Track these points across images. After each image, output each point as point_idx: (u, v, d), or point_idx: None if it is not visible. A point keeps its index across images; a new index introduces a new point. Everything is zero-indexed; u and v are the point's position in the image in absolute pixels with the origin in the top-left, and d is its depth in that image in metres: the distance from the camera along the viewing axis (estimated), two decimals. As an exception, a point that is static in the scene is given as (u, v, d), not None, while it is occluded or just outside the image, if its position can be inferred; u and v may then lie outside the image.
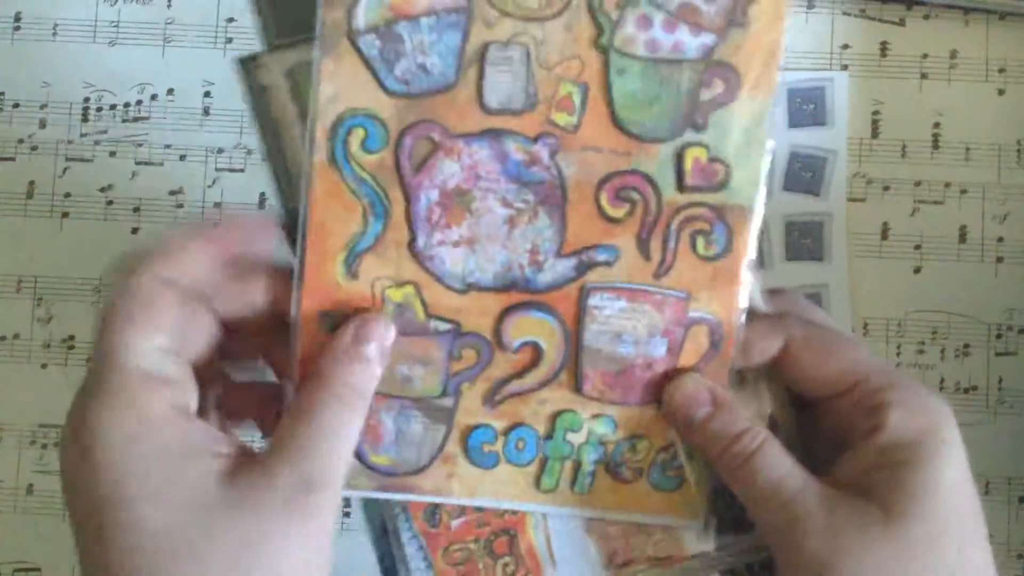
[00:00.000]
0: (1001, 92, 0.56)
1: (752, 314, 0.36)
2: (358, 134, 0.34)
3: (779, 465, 0.34)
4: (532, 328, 0.36)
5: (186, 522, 0.30)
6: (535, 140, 0.34)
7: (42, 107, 0.57)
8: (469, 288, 0.35)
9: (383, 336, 0.35)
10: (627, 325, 0.36)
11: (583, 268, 0.35)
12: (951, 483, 0.33)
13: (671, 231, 0.35)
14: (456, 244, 0.35)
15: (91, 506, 0.31)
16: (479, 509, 0.38)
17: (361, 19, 0.33)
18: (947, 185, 0.55)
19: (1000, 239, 0.55)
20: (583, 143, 0.34)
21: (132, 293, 0.32)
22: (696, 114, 0.34)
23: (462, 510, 0.38)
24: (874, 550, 0.32)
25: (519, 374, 0.36)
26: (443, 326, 0.36)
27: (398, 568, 0.39)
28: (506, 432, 0.37)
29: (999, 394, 0.54)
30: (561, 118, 0.34)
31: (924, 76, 0.56)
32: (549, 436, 0.37)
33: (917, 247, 0.55)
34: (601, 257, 0.35)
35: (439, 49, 0.34)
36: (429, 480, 0.37)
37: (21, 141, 0.57)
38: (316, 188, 0.34)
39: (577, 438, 0.37)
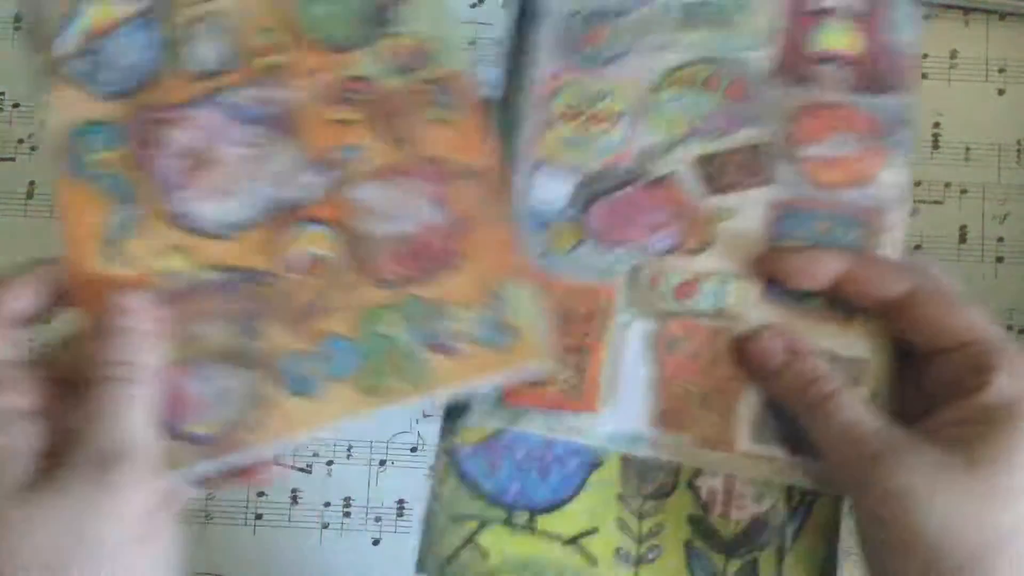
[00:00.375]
0: (1001, 92, 0.56)
1: (886, 256, 0.38)
2: (89, 141, 0.38)
3: (852, 408, 0.36)
4: (311, 242, 0.38)
5: (10, 507, 0.33)
6: (258, 86, 0.39)
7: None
8: (238, 231, 0.38)
9: (137, 306, 0.36)
10: (395, 205, 0.38)
11: (336, 170, 0.38)
12: None
13: (404, 112, 0.39)
14: (210, 197, 0.38)
15: None
16: (565, 322, 0.39)
17: (62, 50, 0.39)
18: (947, 185, 0.55)
19: (1000, 239, 0.55)
20: (294, 73, 0.39)
21: None
22: (384, 13, 0.39)
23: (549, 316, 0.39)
24: (948, 491, 0.33)
25: (314, 290, 0.37)
26: (218, 275, 0.37)
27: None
28: (319, 350, 0.37)
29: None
30: (273, 59, 0.39)
31: (924, 76, 0.56)
32: (364, 338, 0.37)
33: (917, 247, 0.55)
34: (348, 156, 0.38)
35: (138, 47, 0.39)
36: (255, 431, 0.37)
37: (21, 141, 0.57)
38: (63, 201, 0.38)
39: (392, 329, 0.37)
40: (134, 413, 0.34)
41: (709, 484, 0.38)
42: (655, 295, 0.39)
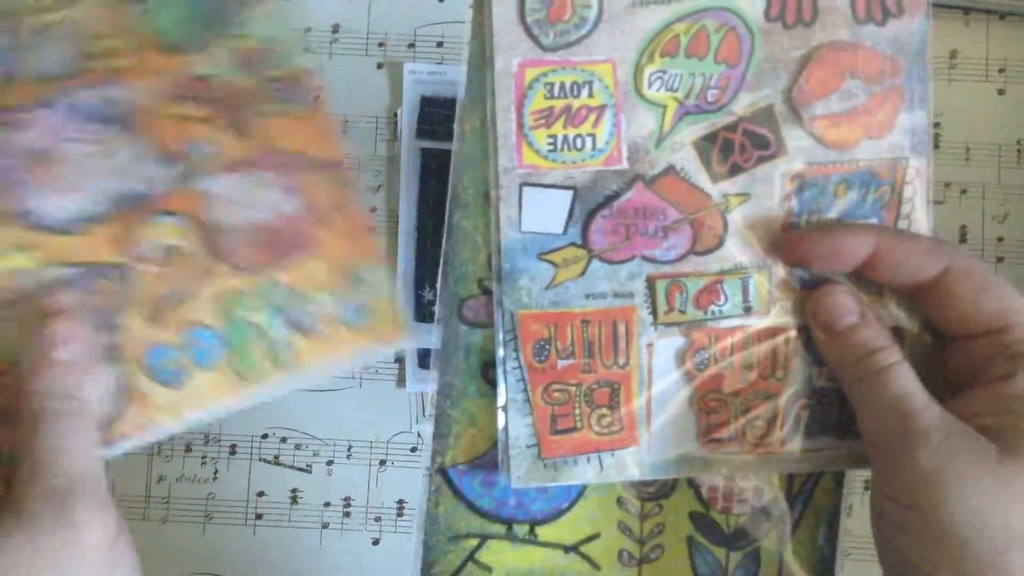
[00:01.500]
0: (1001, 92, 0.56)
1: (916, 234, 0.36)
2: None
3: (908, 382, 0.35)
4: (164, 233, 0.37)
5: None
6: (100, 87, 0.37)
7: (43, 107, 0.57)
8: (85, 225, 0.37)
9: (71, 334, 0.35)
10: (247, 195, 0.37)
11: (181, 163, 0.37)
12: None
13: (252, 108, 0.38)
14: (53, 193, 0.37)
15: None
16: (588, 355, 0.37)
17: None
18: (947, 185, 0.55)
19: (1000, 239, 0.55)
20: (142, 74, 0.38)
21: None
22: (228, 17, 0.38)
23: (572, 352, 0.37)
24: (986, 481, 0.32)
25: (170, 280, 0.37)
26: (68, 272, 0.37)
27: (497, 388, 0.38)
28: (184, 341, 0.37)
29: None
30: (116, 63, 0.38)
31: (924, 76, 0.56)
32: (228, 326, 0.37)
33: (917, 247, 0.55)
34: (196, 150, 0.38)
35: None
36: (127, 423, 0.36)
37: (22, 141, 0.57)
38: None
39: (254, 315, 0.37)
40: (82, 446, 0.34)
41: (710, 481, 0.38)
42: (676, 308, 0.37)
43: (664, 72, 0.36)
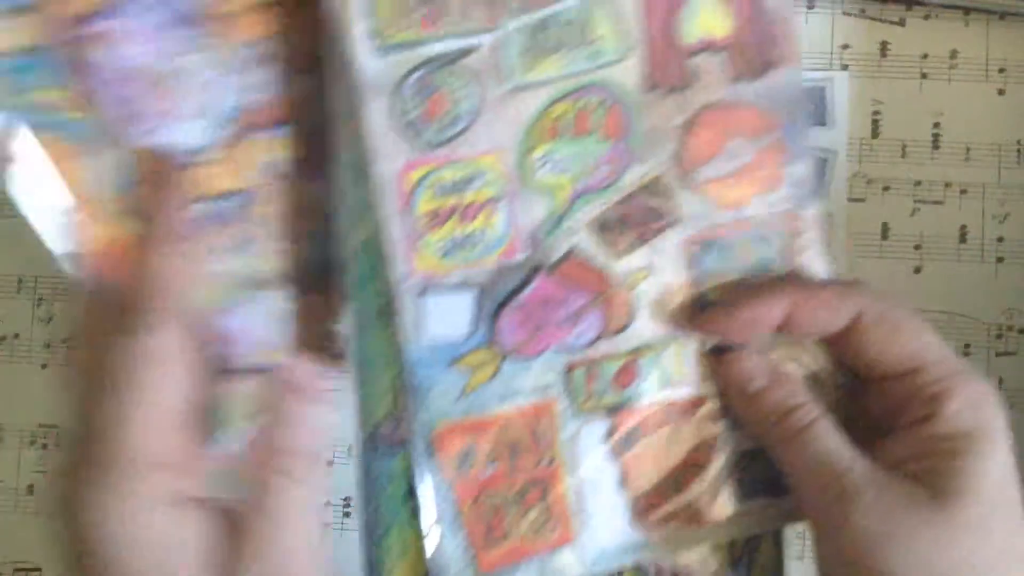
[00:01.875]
0: (1001, 92, 0.56)
1: (816, 281, 0.36)
2: (26, 79, 0.33)
3: (830, 439, 0.34)
4: (272, 149, 0.35)
5: None
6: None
7: (42, 107, 0.57)
8: (207, 153, 0.34)
9: (308, 382, 0.34)
10: None
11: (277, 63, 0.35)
12: (1000, 473, 0.33)
13: None
14: (176, 122, 0.34)
15: None
16: (513, 457, 0.35)
17: None
18: (947, 185, 0.55)
19: (1000, 239, 0.55)
20: None
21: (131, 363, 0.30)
22: None
23: (495, 457, 0.35)
24: (923, 530, 0.32)
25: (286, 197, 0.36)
26: (205, 206, 0.35)
27: (418, 515, 0.36)
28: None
29: (999, 394, 0.54)
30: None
31: (924, 76, 0.56)
32: None
33: (917, 247, 0.55)
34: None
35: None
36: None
37: (21, 141, 0.57)
38: (57, 167, 0.34)
39: None
40: (305, 520, 0.32)
41: (656, 562, 0.37)
42: (595, 393, 0.36)
43: (551, 156, 0.35)
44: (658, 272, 0.36)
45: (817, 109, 0.56)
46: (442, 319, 0.35)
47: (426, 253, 0.34)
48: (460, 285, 0.35)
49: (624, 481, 0.36)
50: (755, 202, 0.36)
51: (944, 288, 0.55)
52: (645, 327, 0.36)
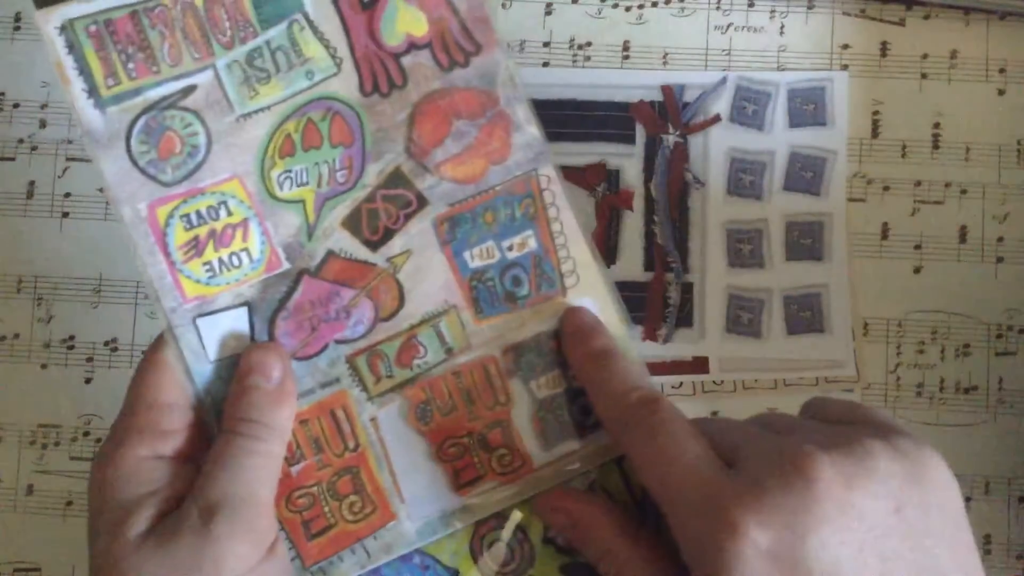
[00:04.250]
0: (1001, 92, 0.56)
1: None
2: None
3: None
4: None
5: (125, 554, 0.33)
6: None
7: (42, 107, 0.57)
8: None
9: (266, 363, 0.36)
10: None
11: None
12: None
13: None
14: None
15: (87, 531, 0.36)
16: (318, 451, 0.37)
17: None
18: (947, 185, 0.55)
19: (1000, 239, 0.55)
20: None
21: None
22: None
23: (301, 455, 0.37)
24: None
25: None
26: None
27: None
28: None
29: (999, 394, 0.54)
30: None
31: (924, 76, 0.56)
32: None
33: (917, 247, 0.55)
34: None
35: None
36: None
37: (21, 141, 0.57)
38: None
39: None
40: (249, 468, 0.35)
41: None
42: (383, 375, 0.38)
43: (290, 171, 0.37)
44: (417, 252, 0.38)
45: (817, 109, 0.56)
46: (221, 338, 0.37)
47: (192, 281, 0.37)
48: (232, 304, 0.37)
49: (433, 452, 0.38)
50: (492, 172, 0.38)
51: (944, 288, 0.55)
52: (416, 305, 0.38)
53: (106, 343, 0.56)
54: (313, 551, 0.37)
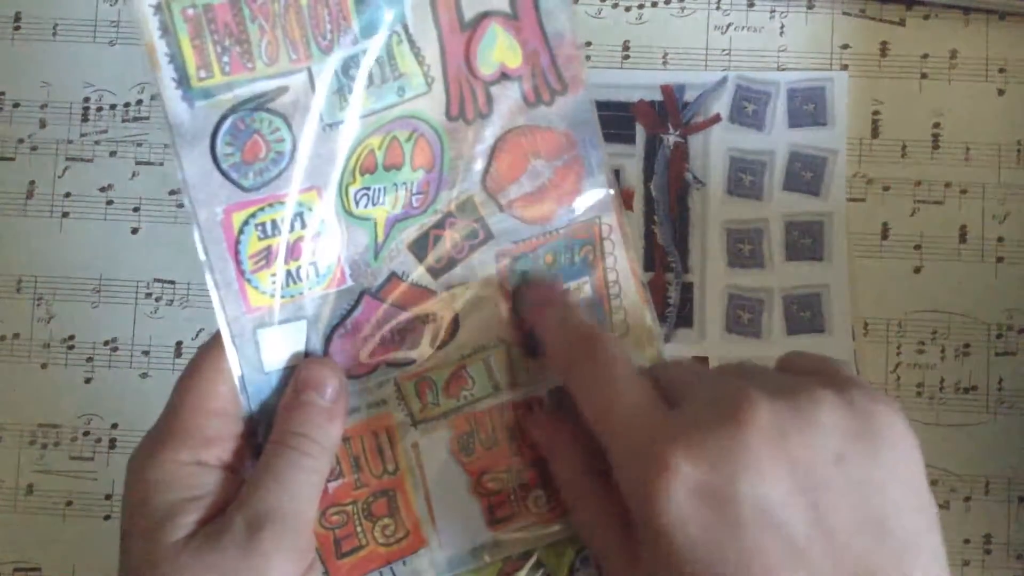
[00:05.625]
0: (1001, 92, 0.56)
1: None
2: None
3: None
4: None
5: (165, 559, 0.33)
6: None
7: (42, 107, 0.57)
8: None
9: (320, 379, 0.36)
10: None
11: None
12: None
13: None
14: None
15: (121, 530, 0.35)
16: (357, 470, 0.37)
17: None
18: (947, 185, 0.55)
19: (1000, 239, 0.55)
20: None
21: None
22: None
23: (340, 472, 0.37)
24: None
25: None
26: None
27: None
28: None
29: (999, 394, 0.54)
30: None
31: (924, 76, 0.56)
32: None
33: (917, 247, 0.55)
34: None
35: None
36: None
37: (21, 141, 0.57)
38: None
39: None
40: (297, 483, 0.34)
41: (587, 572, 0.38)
42: (430, 402, 0.38)
43: (368, 188, 0.36)
44: (476, 285, 0.38)
45: (817, 109, 0.56)
46: (278, 350, 0.36)
47: (258, 291, 0.36)
48: (292, 317, 0.36)
49: (471, 485, 0.38)
50: (559, 215, 0.38)
51: (944, 288, 0.55)
52: (470, 337, 0.38)
53: (106, 343, 0.56)
54: (342, 570, 0.37)
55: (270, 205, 0.35)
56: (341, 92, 0.35)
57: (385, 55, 0.36)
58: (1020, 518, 0.54)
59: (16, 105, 0.57)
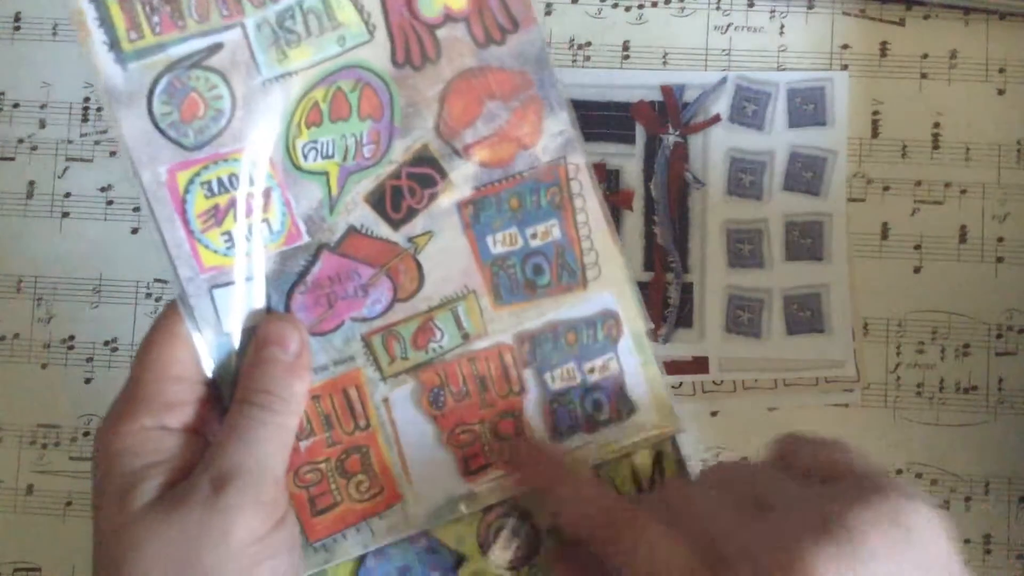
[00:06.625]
0: (1001, 92, 0.56)
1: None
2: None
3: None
4: None
5: (131, 523, 0.33)
6: None
7: (42, 107, 0.57)
8: None
9: (283, 335, 0.36)
10: None
11: None
12: None
13: None
14: None
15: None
16: (328, 428, 0.37)
17: None
18: (947, 185, 0.55)
19: (1000, 239, 0.55)
20: None
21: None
22: None
23: (311, 430, 0.37)
24: None
25: None
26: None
27: None
28: None
29: (999, 394, 0.54)
30: None
31: (924, 76, 0.56)
32: None
33: (917, 247, 0.55)
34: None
35: None
36: None
37: (21, 141, 0.57)
38: None
39: None
40: (262, 439, 0.34)
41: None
42: (398, 356, 0.37)
43: (316, 141, 0.36)
44: (439, 235, 0.37)
45: (817, 109, 0.56)
46: (236, 310, 0.36)
47: (209, 250, 0.36)
48: (247, 276, 0.36)
49: (443, 437, 0.38)
50: (520, 158, 0.37)
51: (944, 288, 0.55)
52: (435, 287, 0.37)
53: (106, 343, 0.56)
54: (318, 527, 0.37)
55: (214, 163, 0.35)
56: (278, 45, 0.35)
57: (321, 5, 0.35)
58: (1020, 518, 0.54)
59: (16, 105, 0.57)
